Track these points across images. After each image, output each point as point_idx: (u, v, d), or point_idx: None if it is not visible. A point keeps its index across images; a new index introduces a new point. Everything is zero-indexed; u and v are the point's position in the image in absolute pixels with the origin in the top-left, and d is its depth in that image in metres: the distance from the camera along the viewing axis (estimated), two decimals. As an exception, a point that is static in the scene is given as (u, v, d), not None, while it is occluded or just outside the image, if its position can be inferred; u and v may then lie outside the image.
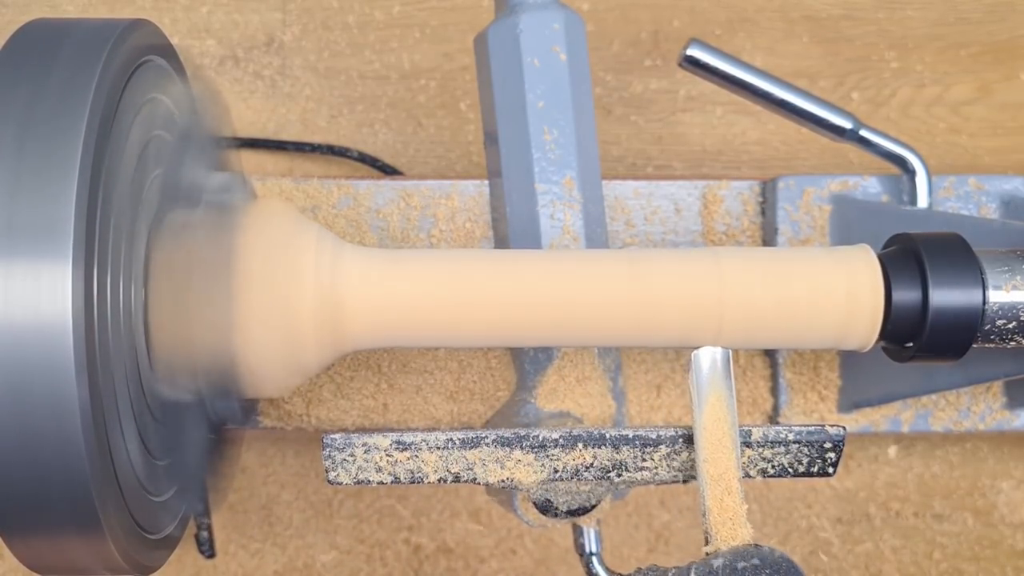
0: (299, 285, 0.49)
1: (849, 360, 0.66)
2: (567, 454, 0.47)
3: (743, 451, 0.46)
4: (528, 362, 0.58)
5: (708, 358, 0.46)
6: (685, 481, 0.48)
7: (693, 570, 0.42)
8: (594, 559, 0.56)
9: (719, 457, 0.45)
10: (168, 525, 0.53)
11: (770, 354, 0.67)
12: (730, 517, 0.44)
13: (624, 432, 0.47)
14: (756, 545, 0.43)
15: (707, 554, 0.44)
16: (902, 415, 0.68)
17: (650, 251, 0.52)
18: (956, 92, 0.81)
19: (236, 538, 0.77)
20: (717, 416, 0.45)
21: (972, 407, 0.68)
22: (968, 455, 0.79)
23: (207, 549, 0.75)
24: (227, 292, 0.48)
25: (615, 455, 0.47)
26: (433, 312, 0.50)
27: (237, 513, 0.77)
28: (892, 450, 0.76)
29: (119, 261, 0.45)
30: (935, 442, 0.79)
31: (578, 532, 0.56)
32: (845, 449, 0.78)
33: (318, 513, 0.77)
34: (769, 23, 0.80)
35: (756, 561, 0.41)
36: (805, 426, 0.47)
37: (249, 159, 0.78)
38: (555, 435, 0.47)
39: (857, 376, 0.65)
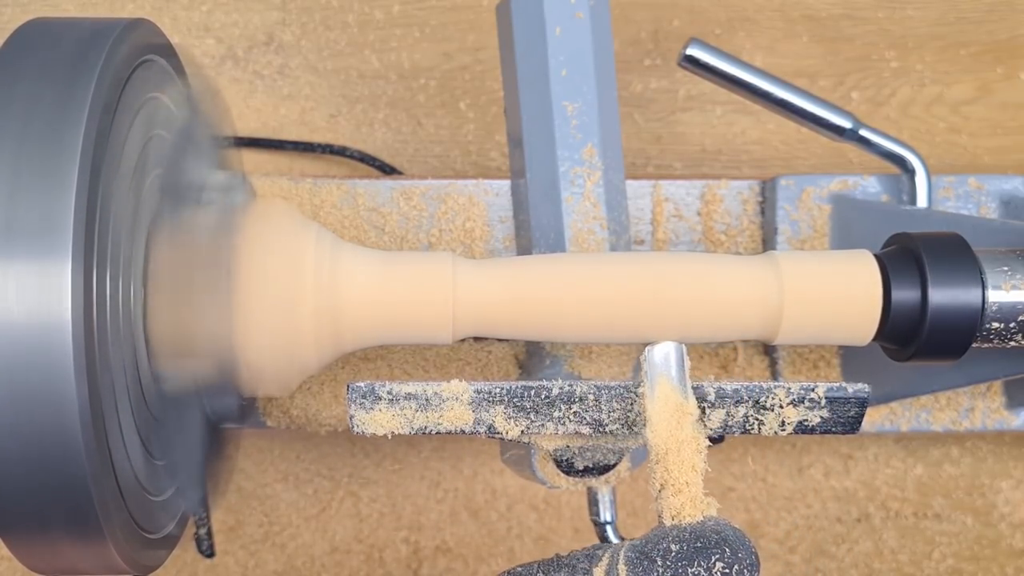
0: (298, 284, 0.49)
1: (849, 359, 0.66)
2: (592, 406, 0.47)
3: (766, 411, 0.47)
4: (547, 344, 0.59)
5: (662, 351, 0.46)
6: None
7: (624, 548, 0.41)
8: (608, 527, 0.56)
9: (668, 434, 0.45)
10: (167, 525, 0.53)
11: (769, 352, 0.67)
12: (679, 492, 0.44)
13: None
14: (706, 520, 0.42)
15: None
16: (901, 415, 0.68)
17: (704, 255, 0.52)
18: (956, 91, 0.81)
19: (235, 538, 0.77)
20: (668, 395, 0.45)
21: (971, 407, 0.68)
22: (967, 455, 0.79)
23: (206, 549, 0.75)
24: (226, 291, 0.48)
25: (640, 407, 0.47)
26: (431, 311, 0.50)
27: (236, 513, 0.77)
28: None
29: (119, 260, 0.45)
30: (934, 442, 0.79)
31: (593, 499, 0.56)
32: (845, 449, 0.78)
33: (317, 512, 0.77)
34: (769, 22, 0.80)
35: (691, 533, 0.41)
36: (829, 384, 0.47)
37: (249, 158, 0.78)
38: (582, 387, 0.47)
39: (857, 376, 0.65)
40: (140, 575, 0.48)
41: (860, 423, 0.48)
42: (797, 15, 0.80)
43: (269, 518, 0.77)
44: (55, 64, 0.43)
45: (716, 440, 0.49)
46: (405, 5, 0.79)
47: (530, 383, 0.47)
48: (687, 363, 0.46)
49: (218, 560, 0.77)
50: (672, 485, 0.44)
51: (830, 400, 0.47)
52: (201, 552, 0.75)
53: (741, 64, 0.61)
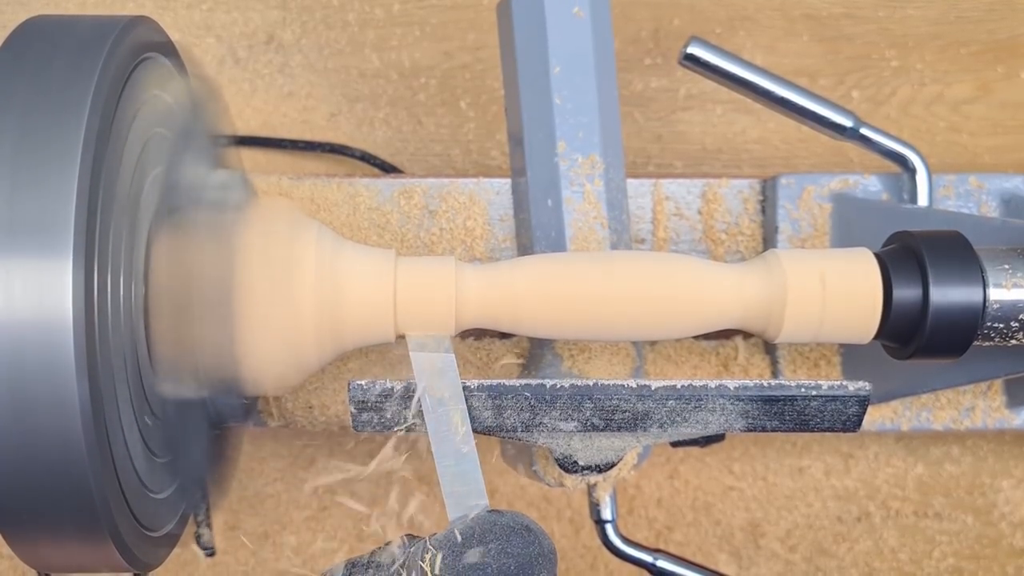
0: (299, 283, 0.49)
1: (849, 358, 0.66)
2: (593, 405, 0.47)
3: (769, 406, 0.47)
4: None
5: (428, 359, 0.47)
6: (707, 441, 0.48)
7: (428, 541, 0.42)
8: (609, 526, 0.56)
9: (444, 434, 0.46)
10: (168, 523, 0.53)
11: (770, 351, 0.67)
12: (464, 489, 0.45)
13: (652, 384, 0.47)
14: (496, 511, 0.42)
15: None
16: (902, 413, 0.68)
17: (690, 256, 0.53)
18: (956, 90, 0.81)
19: (236, 536, 0.77)
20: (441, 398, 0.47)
21: (972, 406, 0.68)
22: (968, 454, 0.79)
23: (207, 547, 0.75)
24: (228, 290, 0.48)
25: (641, 406, 0.47)
26: (433, 309, 0.50)
27: (237, 511, 0.77)
28: None
29: (119, 259, 0.45)
30: (935, 441, 0.79)
31: (593, 498, 0.56)
32: (845, 448, 0.78)
33: (318, 511, 0.77)
34: (769, 21, 0.80)
35: (493, 524, 0.41)
36: (830, 382, 0.48)
37: (249, 157, 0.78)
38: (583, 385, 0.47)
39: (858, 374, 0.65)
40: (141, 573, 0.48)
41: (861, 422, 0.48)
42: (797, 14, 0.80)
43: (270, 516, 0.77)
44: (56, 62, 0.43)
45: (716, 438, 0.50)
46: (405, 4, 0.79)
47: (531, 381, 0.47)
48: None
49: (219, 558, 0.77)
50: (450, 483, 0.46)
51: (831, 398, 0.47)
52: (202, 550, 0.75)
53: (742, 63, 0.61)
